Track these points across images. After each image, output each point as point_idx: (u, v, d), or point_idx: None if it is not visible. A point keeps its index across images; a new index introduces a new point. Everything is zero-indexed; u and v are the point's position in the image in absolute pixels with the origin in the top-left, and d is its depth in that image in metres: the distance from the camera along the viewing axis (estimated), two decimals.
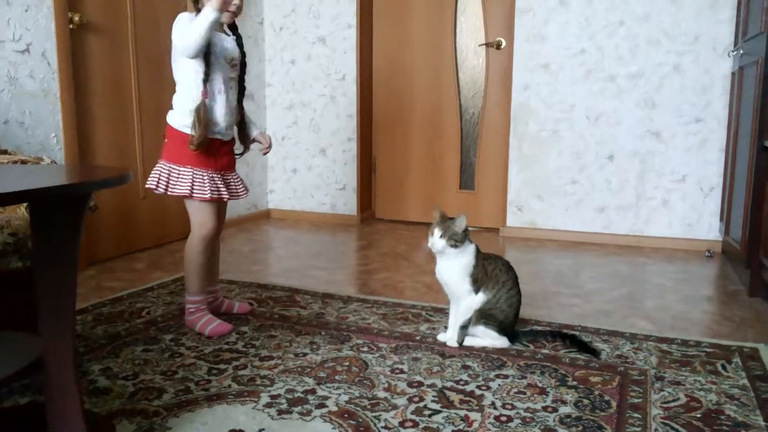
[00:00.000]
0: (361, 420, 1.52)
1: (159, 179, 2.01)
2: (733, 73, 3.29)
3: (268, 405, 1.59)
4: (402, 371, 1.81)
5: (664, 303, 2.54)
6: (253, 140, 2.26)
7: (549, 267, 3.12)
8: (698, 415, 1.56)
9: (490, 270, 1.98)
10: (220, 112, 2.03)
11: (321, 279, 2.84)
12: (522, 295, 2.04)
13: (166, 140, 2.05)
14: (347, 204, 4.29)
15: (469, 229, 1.97)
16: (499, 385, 1.73)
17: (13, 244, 1.68)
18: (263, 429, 1.47)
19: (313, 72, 4.25)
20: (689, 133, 3.49)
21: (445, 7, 4.05)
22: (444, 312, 2.25)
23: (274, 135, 4.40)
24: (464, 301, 1.97)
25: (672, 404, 1.62)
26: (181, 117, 2.01)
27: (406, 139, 4.27)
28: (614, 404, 1.62)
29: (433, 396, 1.65)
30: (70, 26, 2.83)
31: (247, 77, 2.17)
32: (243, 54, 2.12)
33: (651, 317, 2.36)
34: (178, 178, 2.00)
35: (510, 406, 1.60)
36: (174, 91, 2.06)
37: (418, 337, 2.09)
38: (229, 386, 1.70)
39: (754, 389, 1.72)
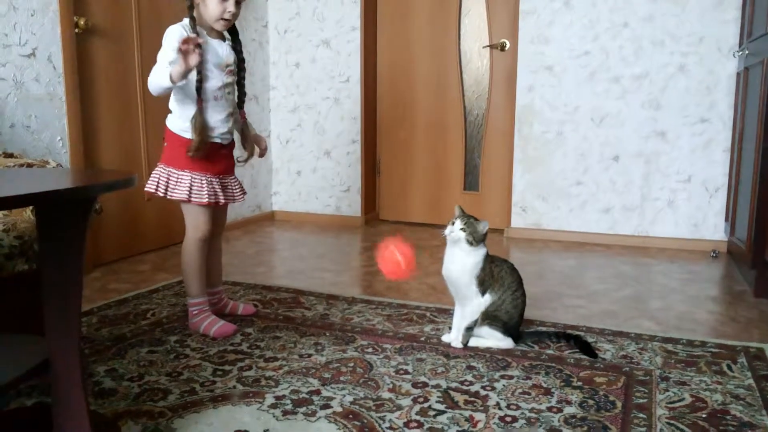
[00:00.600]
0: (365, 421, 1.52)
1: (158, 183, 2.01)
2: (738, 74, 3.28)
3: (273, 406, 1.60)
4: (407, 372, 1.81)
5: (669, 303, 2.53)
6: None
7: (554, 268, 3.12)
8: (703, 415, 1.56)
9: (496, 272, 1.98)
10: (217, 118, 2.03)
11: (325, 280, 2.84)
12: (527, 296, 2.04)
13: (165, 144, 2.06)
14: (351, 206, 4.29)
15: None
16: (503, 385, 1.73)
17: (19, 247, 1.69)
18: (268, 430, 1.48)
19: (317, 75, 4.26)
20: (694, 133, 3.48)
21: (449, 9, 4.05)
22: (448, 313, 2.25)
23: (279, 137, 4.41)
24: (471, 303, 1.97)
25: (677, 404, 1.62)
26: (179, 121, 2.02)
27: (410, 141, 4.27)
28: (619, 404, 1.61)
29: (438, 396, 1.65)
30: (76, 30, 2.85)
31: (251, 80, 2.17)
32: (241, 59, 2.12)
33: (656, 318, 2.35)
34: (177, 182, 2.01)
35: (515, 407, 1.60)
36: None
37: (422, 338, 2.09)
38: (234, 387, 1.70)
39: (760, 389, 1.71)
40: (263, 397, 1.64)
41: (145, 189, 2.05)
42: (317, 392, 1.68)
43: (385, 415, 1.55)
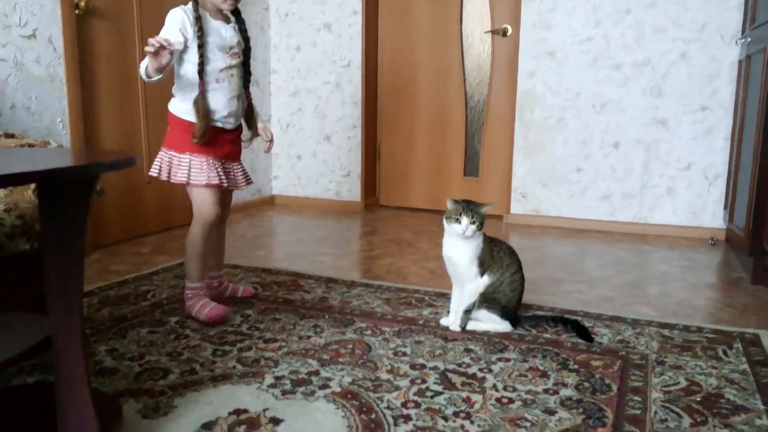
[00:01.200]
0: (364, 400, 1.54)
1: (161, 167, 2.01)
2: (740, 61, 3.27)
3: (272, 386, 1.61)
4: (405, 354, 1.83)
5: (667, 290, 2.55)
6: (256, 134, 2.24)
7: (553, 254, 3.13)
8: (698, 399, 1.58)
9: (495, 252, 1.99)
10: (220, 101, 2.01)
11: (325, 264, 2.86)
12: (525, 281, 2.05)
13: (168, 127, 2.06)
14: (351, 190, 4.30)
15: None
16: (500, 368, 1.74)
17: (21, 227, 1.70)
18: (267, 408, 1.50)
19: (319, 59, 4.25)
20: (695, 121, 3.48)
21: None
22: (447, 297, 2.27)
23: (279, 121, 4.41)
24: (470, 284, 1.98)
25: (672, 388, 1.64)
26: (180, 104, 2.01)
27: (411, 126, 4.27)
28: (615, 387, 1.63)
29: (436, 378, 1.67)
30: (76, 11, 2.84)
31: (252, 63, 2.16)
32: (246, 39, 2.11)
33: (653, 304, 2.36)
34: (178, 165, 2.01)
35: (511, 389, 1.62)
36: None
37: (421, 321, 2.10)
38: (234, 367, 1.72)
39: (754, 374, 1.73)
40: (263, 377, 1.66)
41: (149, 173, 2.05)
42: (316, 373, 1.69)
43: (383, 396, 1.56)
